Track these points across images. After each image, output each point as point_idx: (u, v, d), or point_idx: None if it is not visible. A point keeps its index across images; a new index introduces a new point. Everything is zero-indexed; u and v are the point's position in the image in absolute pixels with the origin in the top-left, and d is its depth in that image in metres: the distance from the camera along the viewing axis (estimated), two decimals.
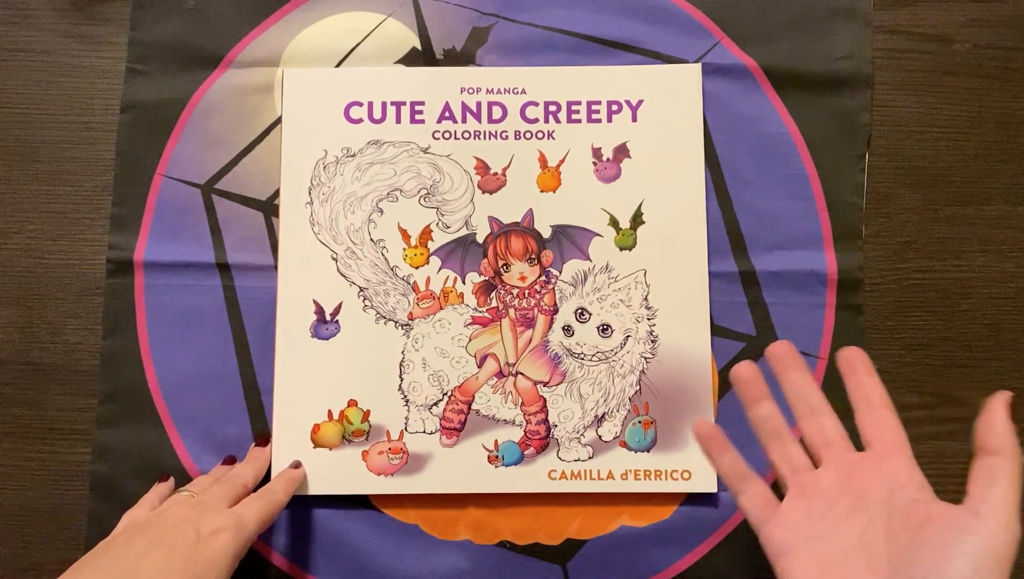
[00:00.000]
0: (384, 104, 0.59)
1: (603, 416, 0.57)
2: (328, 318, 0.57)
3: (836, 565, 0.39)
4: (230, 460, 0.56)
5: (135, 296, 0.58)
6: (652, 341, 0.57)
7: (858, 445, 0.44)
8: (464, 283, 0.58)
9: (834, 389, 0.56)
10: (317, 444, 0.56)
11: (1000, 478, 0.37)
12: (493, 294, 0.58)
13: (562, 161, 0.59)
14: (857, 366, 0.45)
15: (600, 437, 0.57)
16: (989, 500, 0.36)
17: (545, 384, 0.57)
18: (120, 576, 0.42)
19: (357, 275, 0.58)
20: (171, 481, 0.55)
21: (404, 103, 0.60)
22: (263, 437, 0.57)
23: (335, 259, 0.58)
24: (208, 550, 0.44)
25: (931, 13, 0.61)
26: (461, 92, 0.59)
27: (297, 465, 0.56)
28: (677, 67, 0.60)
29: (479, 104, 0.59)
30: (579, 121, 0.59)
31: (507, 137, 0.59)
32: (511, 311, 0.57)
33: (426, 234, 0.58)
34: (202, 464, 0.56)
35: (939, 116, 0.60)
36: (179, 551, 0.44)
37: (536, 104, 0.59)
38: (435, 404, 0.57)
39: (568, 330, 0.57)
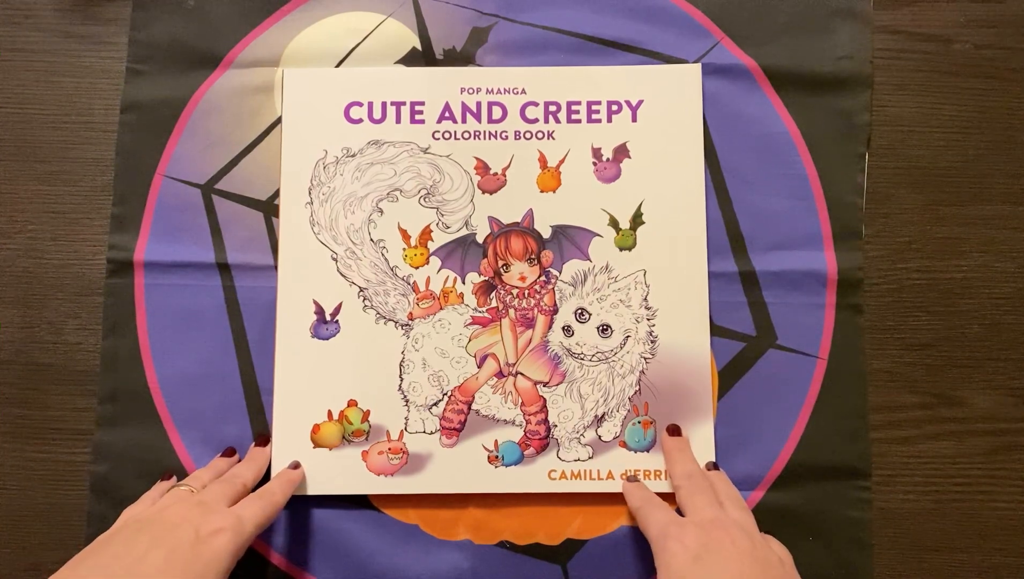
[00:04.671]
0: (384, 104, 0.59)
1: (603, 416, 0.57)
2: (328, 318, 0.57)
3: None
4: (229, 452, 0.56)
5: (135, 296, 0.58)
6: (652, 341, 0.57)
7: None
8: (464, 283, 0.58)
9: (835, 389, 0.57)
10: (317, 444, 0.56)
11: None
12: (493, 294, 0.58)
13: (562, 161, 0.59)
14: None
15: (600, 437, 0.57)
16: None
17: (545, 384, 0.57)
18: (120, 577, 0.42)
19: (357, 275, 0.58)
20: (173, 480, 0.55)
21: (404, 103, 0.59)
22: (263, 437, 0.56)
23: (335, 259, 0.58)
24: (208, 551, 0.44)
25: (931, 13, 0.61)
26: (461, 92, 0.59)
27: (296, 466, 0.56)
28: (677, 67, 0.60)
29: (479, 104, 0.59)
30: (579, 121, 0.59)
31: (507, 137, 0.59)
32: (511, 311, 0.57)
33: (426, 234, 0.58)
34: (202, 464, 0.56)
35: (939, 116, 0.60)
36: (179, 551, 0.44)
37: (536, 104, 0.59)
38: (435, 404, 0.57)
39: (568, 330, 0.57)
